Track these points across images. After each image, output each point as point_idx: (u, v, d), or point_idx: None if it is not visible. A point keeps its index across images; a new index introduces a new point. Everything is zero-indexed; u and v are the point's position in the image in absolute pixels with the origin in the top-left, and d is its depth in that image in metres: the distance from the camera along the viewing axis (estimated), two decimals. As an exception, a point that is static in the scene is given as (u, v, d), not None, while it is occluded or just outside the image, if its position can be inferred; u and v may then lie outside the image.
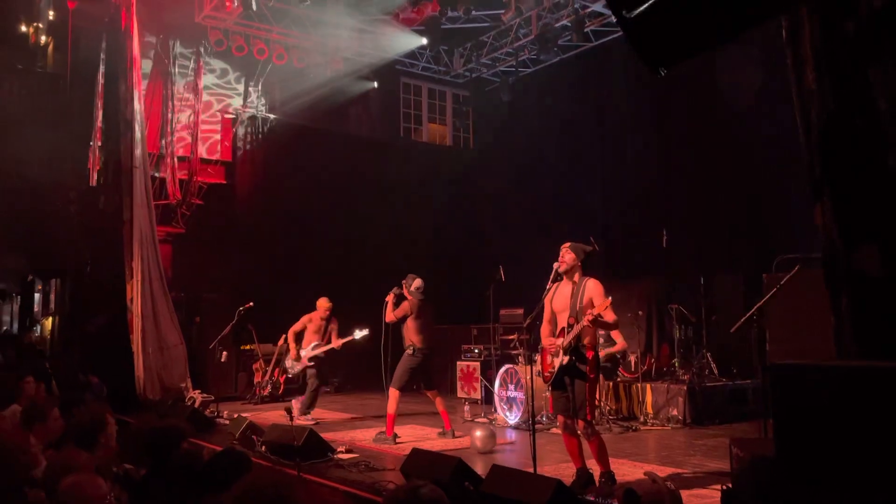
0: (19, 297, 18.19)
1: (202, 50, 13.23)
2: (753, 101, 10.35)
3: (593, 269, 5.66)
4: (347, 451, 6.83)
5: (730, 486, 3.95)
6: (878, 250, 3.19)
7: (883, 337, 3.17)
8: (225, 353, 10.60)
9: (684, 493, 4.81)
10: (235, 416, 8.67)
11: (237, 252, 13.08)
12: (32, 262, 14.89)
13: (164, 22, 12.74)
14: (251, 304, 10.15)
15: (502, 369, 9.09)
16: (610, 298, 5.28)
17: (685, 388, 8.55)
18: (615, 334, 8.38)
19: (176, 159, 12.84)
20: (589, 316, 5.18)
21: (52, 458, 3.78)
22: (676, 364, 9.33)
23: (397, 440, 7.56)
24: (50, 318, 15.37)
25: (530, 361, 6.31)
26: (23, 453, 3.60)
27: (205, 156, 13.47)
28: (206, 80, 13.68)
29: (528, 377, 7.72)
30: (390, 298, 7.85)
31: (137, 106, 11.15)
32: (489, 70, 15.19)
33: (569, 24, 12.62)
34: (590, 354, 5.37)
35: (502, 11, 12.82)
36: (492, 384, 9.39)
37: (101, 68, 12.49)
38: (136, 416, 8.66)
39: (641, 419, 8.67)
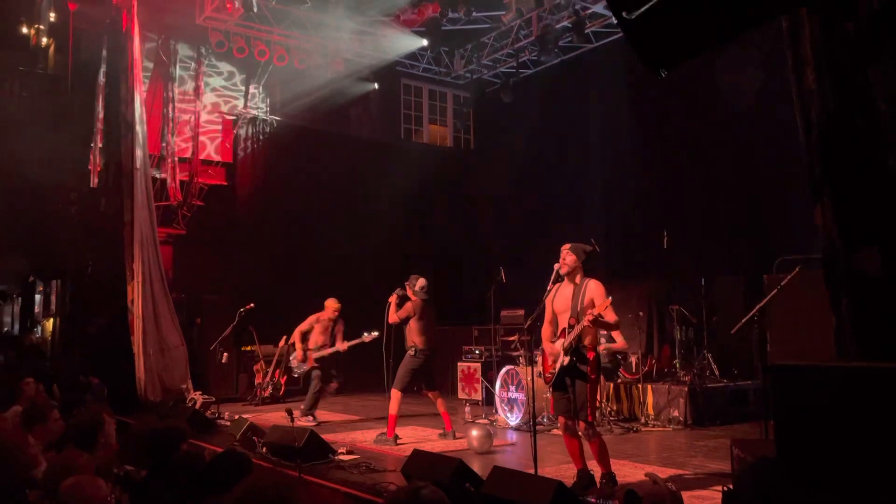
0: (20, 298, 18.20)
1: (204, 51, 13.24)
2: (754, 102, 10.35)
3: (594, 270, 5.66)
4: (348, 453, 6.82)
5: (731, 487, 3.94)
6: (878, 251, 3.19)
7: (883, 337, 3.16)
8: (226, 354, 10.60)
9: (685, 495, 4.80)
10: (236, 417, 8.68)
11: (238, 253, 13.08)
12: (33, 263, 14.91)
13: (164, 23, 12.75)
14: (252, 305, 10.14)
15: (503, 370, 9.09)
16: (610, 298, 5.29)
17: (686, 389, 8.54)
18: (616, 335, 8.37)
19: (177, 160, 12.85)
20: (589, 316, 5.18)
21: (52, 460, 3.78)
22: (677, 365, 9.33)
23: (398, 441, 7.56)
24: (50, 320, 15.38)
25: (531, 362, 6.30)
26: (23, 454, 3.60)
27: (209, 156, 13.49)
28: (214, 82, 13.75)
29: (528, 378, 7.72)
30: (393, 299, 7.85)
31: (138, 108, 11.16)
32: (490, 71, 15.20)
33: (569, 26, 12.63)
34: (591, 355, 5.37)
35: (503, 13, 12.83)
36: (493, 385, 9.38)
37: (102, 70, 12.49)
38: (136, 417, 8.66)
39: (642, 420, 8.67)
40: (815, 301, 3.97)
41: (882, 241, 3.18)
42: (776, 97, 8.39)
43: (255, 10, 11.62)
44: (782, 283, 6.15)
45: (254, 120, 14.06)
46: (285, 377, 11.86)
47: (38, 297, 16.89)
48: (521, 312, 10.49)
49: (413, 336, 7.84)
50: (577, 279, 5.48)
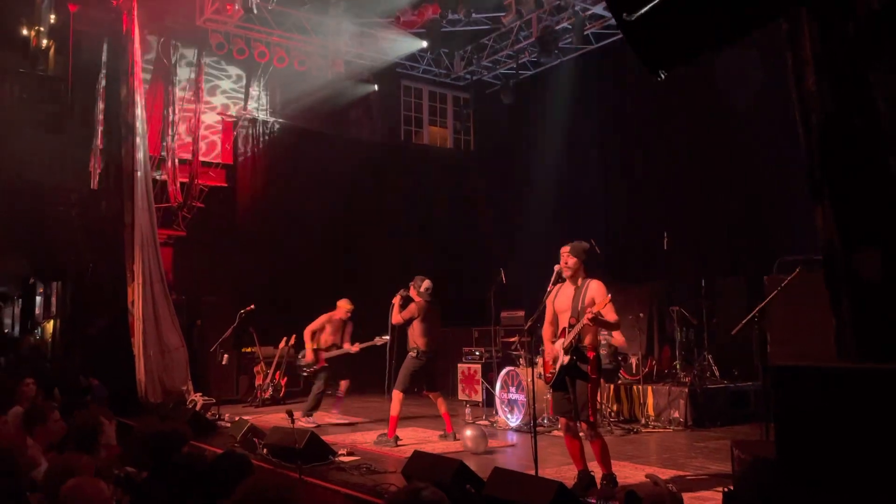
0: (20, 299, 18.21)
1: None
2: (754, 102, 10.35)
3: (594, 271, 5.66)
4: (349, 454, 6.81)
5: (731, 488, 3.95)
6: (878, 252, 3.19)
7: (883, 338, 3.17)
8: (226, 355, 10.59)
9: (686, 496, 4.80)
10: (237, 418, 8.67)
11: (238, 254, 13.08)
12: (34, 265, 14.92)
13: (165, 25, 12.76)
14: (252, 306, 10.14)
15: (503, 371, 9.09)
16: (610, 296, 5.28)
17: (686, 390, 8.54)
18: (616, 334, 8.37)
19: (177, 162, 12.85)
20: (589, 314, 5.17)
21: (53, 461, 3.78)
22: (678, 366, 9.32)
23: (399, 443, 7.55)
24: (51, 321, 15.39)
25: (531, 364, 6.30)
26: (23, 455, 3.60)
27: (210, 157, 13.50)
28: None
29: (529, 379, 7.71)
30: (397, 300, 7.84)
31: (139, 109, 11.17)
32: (490, 72, 15.20)
33: (569, 27, 12.63)
34: (591, 354, 5.37)
35: (503, 14, 12.82)
36: (493, 386, 9.38)
37: (103, 72, 12.51)
38: (137, 418, 8.66)
39: (643, 421, 8.66)
40: (816, 302, 3.97)
41: (882, 242, 3.19)
42: (776, 98, 8.39)
43: (255, 11, 11.61)
44: (783, 284, 6.15)
45: (254, 122, 14.07)
46: (286, 379, 11.86)
47: (38, 298, 16.89)
48: (522, 313, 10.49)
49: (415, 337, 7.83)
50: (579, 281, 5.48)
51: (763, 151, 10.58)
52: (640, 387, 8.89)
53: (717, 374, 9.25)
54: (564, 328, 5.44)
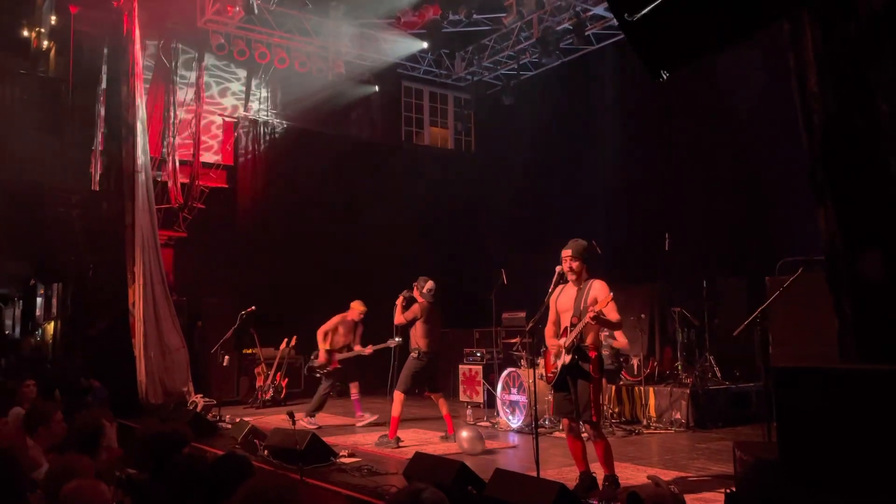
0: (21, 301, 18.20)
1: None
2: (755, 103, 10.34)
3: (595, 272, 5.65)
4: (350, 455, 6.81)
5: (734, 489, 3.94)
6: (880, 253, 3.18)
7: (885, 339, 3.16)
8: (227, 357, 10.60)
9: (688, 497, 4.79)
10: (237, 420, 8.67)
11: (239, 256, 13.08)
12: (34, 266, 14.91)
13: (165, 27, 12.77)
14: (253, 308, 10.13)
15: (505, 373, 9.08)
16: (612, 295, 5.27)
17: (688, 391, 8.53)
18: (618, 334, 8.36)
19: (178, 163, 12.85)
20: (591, 312, 5.17)
21: (54, 463, 3.78)
22: (679, 367, 9.31)
23: (400, 444, 7.55)
24: (52, 323, 15.38)
25: (533, 365, 6.29)
26: (24, 456, 3.60)
27: (213, 157, 13.51)
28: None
29: (530, 381, 7.70)
30: (400, 301, 7.84)
31: (140, 110, 11.17)
32: (490, 73, 15.20)
33: (570, 28, 12.63)
34: (593, 354, 5.36)
35: (503, 15, 12.83)
36: (494, 388, 9.37)
37: (103, 73, 12.50)
38: (138, 420, 8.66)
39: (644, 423, 8.65)
40: (818, 303, 3.97)
41: (884, 244, 3.18)
42: (778, 98, 8.37)
43: (256, 12, 11.62)
44: (785, 285, 6.14)
45: (255, 123, 14.07)
46: (286, 380, 11.85)
47: (39, 300, 16.87)
48: (523, 315, 10.48)
49: (417, 338, 7.83)
50: (582, 281, 5.48)
51: (765, 152, 10.57)
52: (642, 388, 8.88)
53: (718, 374, 9.24)
54: (566, 327, 5.43)
